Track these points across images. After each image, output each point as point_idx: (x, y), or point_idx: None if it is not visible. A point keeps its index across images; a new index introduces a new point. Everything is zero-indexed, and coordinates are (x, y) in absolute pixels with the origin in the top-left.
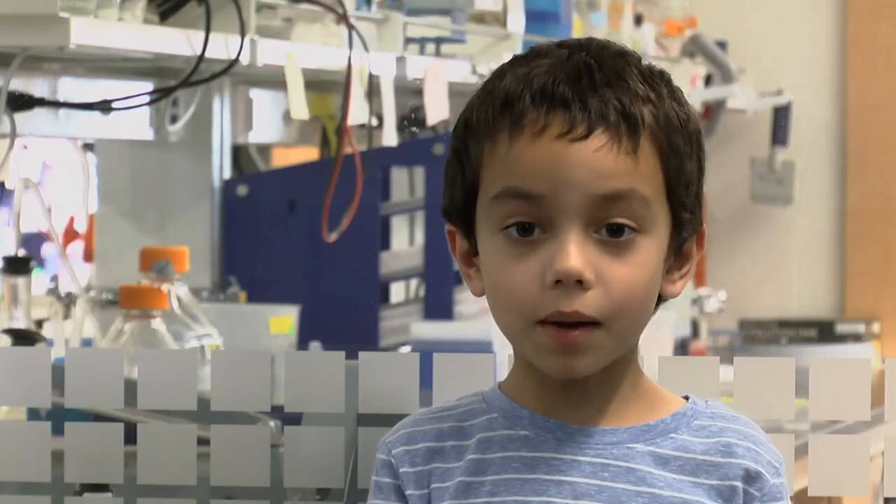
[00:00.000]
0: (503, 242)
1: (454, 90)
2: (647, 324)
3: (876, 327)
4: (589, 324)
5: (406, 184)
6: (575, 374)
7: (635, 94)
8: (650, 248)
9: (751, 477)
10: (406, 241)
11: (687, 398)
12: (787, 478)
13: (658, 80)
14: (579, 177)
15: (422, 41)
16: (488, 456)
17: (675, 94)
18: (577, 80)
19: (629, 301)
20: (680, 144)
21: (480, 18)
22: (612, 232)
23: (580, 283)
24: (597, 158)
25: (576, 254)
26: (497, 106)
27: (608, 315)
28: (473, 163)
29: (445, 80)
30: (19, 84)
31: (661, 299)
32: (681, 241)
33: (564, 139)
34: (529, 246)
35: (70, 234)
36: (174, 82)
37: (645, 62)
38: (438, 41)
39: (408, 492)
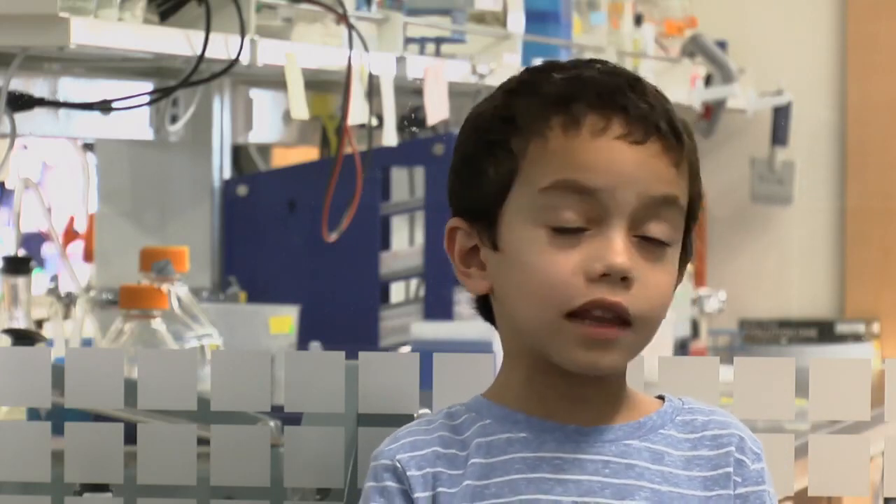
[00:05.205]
0: (545, 234)
1: (454, 90)
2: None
3: (876, 327)
4: (621, 323)
5: (406, 184)
6: (600, 370)
7: (674, 111)
8: (672, 260)
9: (735, 463)
10: (406, 241)
11: (662, 398)
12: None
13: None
14: (637, 176)
15: (422, 41)
16: (489, 460)
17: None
18: (631, 89)
19: (660, 306)
20: (699, 169)
21: (480, 18)
22: (645, 238)
23: (624, 280)
24: (652, 162)
25: (623, 251)
26: (548, 104)
27: (641, 316)
28: (513, 156)
29: (445, 80)
30: (19, 84)
31: None
32: (682, 262)
33: (624, 140)
34: (572, 239)
35: (70, 234)
36: (174, 82)
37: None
38: (438, 41)
39: (415, 495)
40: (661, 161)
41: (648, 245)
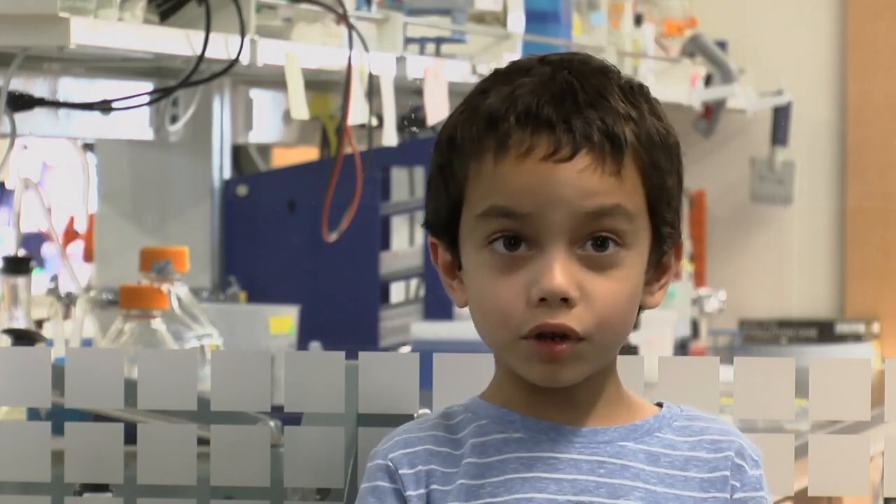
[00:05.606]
0: (488, 258)
1: (454, 90)
2: (629, 335)
3: (876, 327)
4: (573, 338)
5: (406, 184)
6: (559, 383)
7: (617, 114)
8: (632, 263)
9: (734, 468)
10: (406, 241)
11: (660, 405)
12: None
13: (638, 95)
14: (564, 195)
15: (422, 41)
16: (485, 459)
17: (655, 109)
18: (562, 101)
19: (612, 315)
20: (661, 161)
21: (480, 18)
22: (596, 246)
23: (565, 301)
24: (581, 178)
25: (560, 272)
26: (482, 125)
27: (592, 330)
28: (458, 179)
29: (445, 80)
30: (19, 84)
31: (640, 309)
32: (661, 254)
33: (550, 160)
34: (515, 262)
35: (70, 234)
36: (174, 82)
37: (624, 77)
38: (438, 41)
39: (407, 493)
40: (594, 174)
41: (596, 256)
